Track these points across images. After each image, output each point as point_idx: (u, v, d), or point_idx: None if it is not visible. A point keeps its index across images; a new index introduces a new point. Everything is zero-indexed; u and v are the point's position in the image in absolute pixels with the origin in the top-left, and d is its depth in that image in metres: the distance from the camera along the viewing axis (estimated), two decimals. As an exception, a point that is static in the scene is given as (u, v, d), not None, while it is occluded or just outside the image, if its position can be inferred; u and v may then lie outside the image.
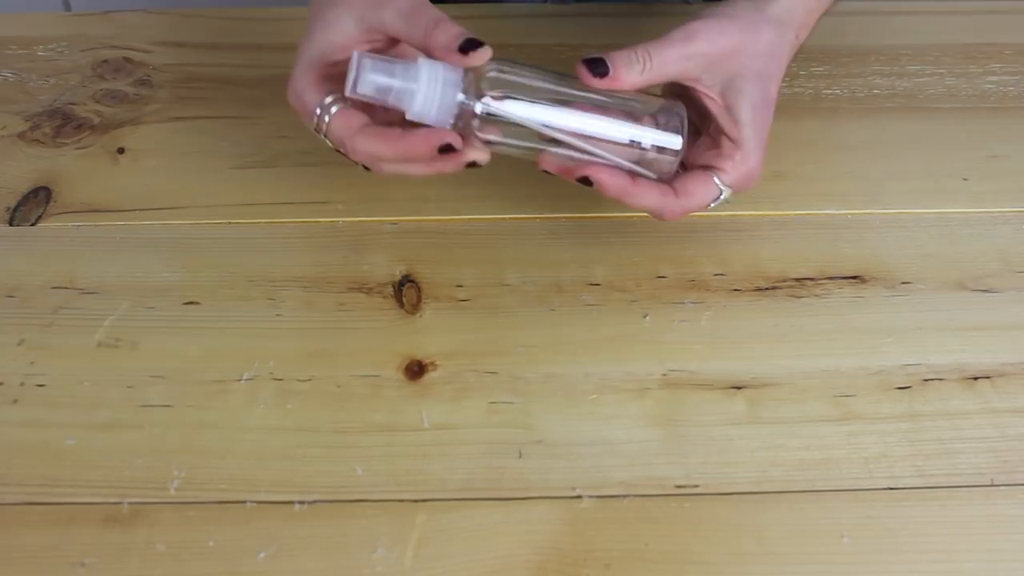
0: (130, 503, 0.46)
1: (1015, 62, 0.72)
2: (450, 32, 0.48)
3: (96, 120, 0.66)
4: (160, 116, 0.67)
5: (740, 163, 0.52)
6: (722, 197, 0.53)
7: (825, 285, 0.56)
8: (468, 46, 0.48)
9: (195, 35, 0.73)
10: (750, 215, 0.60)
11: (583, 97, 0.50)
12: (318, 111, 0.50)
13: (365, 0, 0.50)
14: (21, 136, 0.65)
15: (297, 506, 0.46)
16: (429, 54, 0.49)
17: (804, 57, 0.72)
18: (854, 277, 0.57)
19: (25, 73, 0.70)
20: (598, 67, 0.49)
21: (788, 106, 0.68)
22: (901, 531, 0.46)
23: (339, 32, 0.51)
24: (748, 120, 0.51)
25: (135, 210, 0.60)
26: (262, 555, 0.44)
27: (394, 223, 0.59)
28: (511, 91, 0.49)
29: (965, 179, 0.63)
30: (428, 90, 0.48)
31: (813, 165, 0.64)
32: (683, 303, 0.55)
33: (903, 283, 0.57)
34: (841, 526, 0.46)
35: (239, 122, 0.66)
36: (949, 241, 0.59)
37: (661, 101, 0.52)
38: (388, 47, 0.52)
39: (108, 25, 0.74)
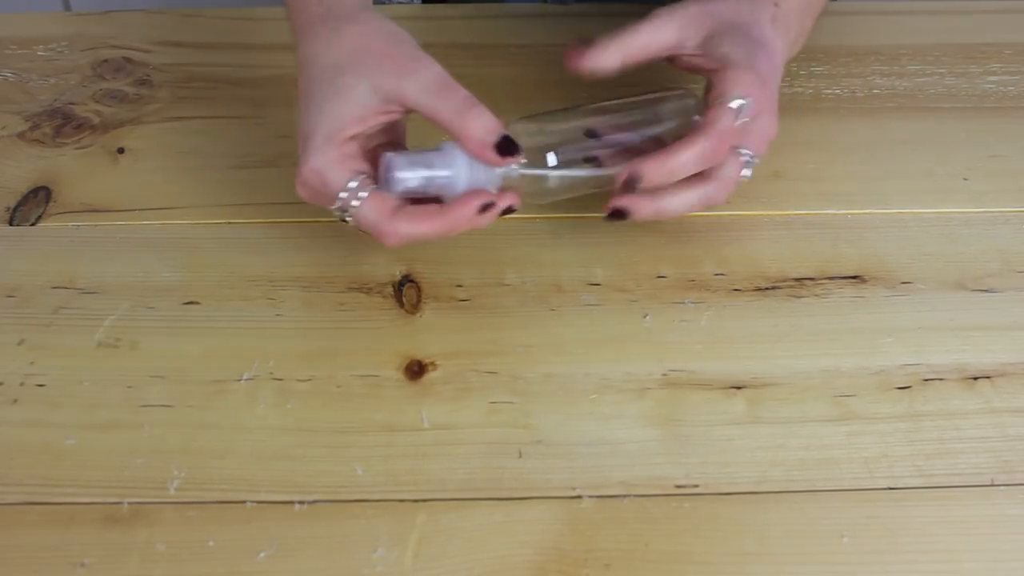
0: (130, 503, 0.46)
1: (1015, 62, 0.72)
2: (485, 123, 0.48)
3: (96, 120, 0.66)
4: (160, 116, 0.67)
5: (737, 76, 0.52)
6: (743, 111, 0.52)
7: (825, 285, 0.56)
8: (505, 150, 0.48)
9: (195, 35, 0.73)
10: (750, 215, 0.60)
11: (608, 120, 0.54)
12: (344, 195, 0.48)
13: (381, 68, 0.49)
14: (21, 136, 0.65)
15: (297, 506, 0.46)
16: (459, 139, 0.49)
17: (804, 57, 0.72)
18: (854, 277, 0.57)
19: (25, 73, 0.70)
20: (580, 48, 0.53)
21: (788, 106, 0.68)
22: (901, 531, 0.46)
23: (354, 102, 0.48)
24: (730, 48, 0.53)
25: (135, 210, 0.60)
26: (262, 555, 0.44)
27: (394, 223, 0.59)
28: (542, 141, 0.52)
29: (965, 179, 0.63)
30: (469, 174, 0.50)
31: (813, 165, 0.64)
32: (683, 303, 0.55)
33: (903, 283, 0.57)
34: (841, 526, 0.46)
35: (239, 122, 0.66)
36: (949, 241, 0.59)
37: (677, 97, 0.56)
38: (404, 116, 0.51)
39: (108, 25, 0.74)
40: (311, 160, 0.48)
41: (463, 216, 0.49)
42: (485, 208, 0.49)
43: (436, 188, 0.50)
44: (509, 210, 0.50)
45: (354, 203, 0.49)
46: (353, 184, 0.48)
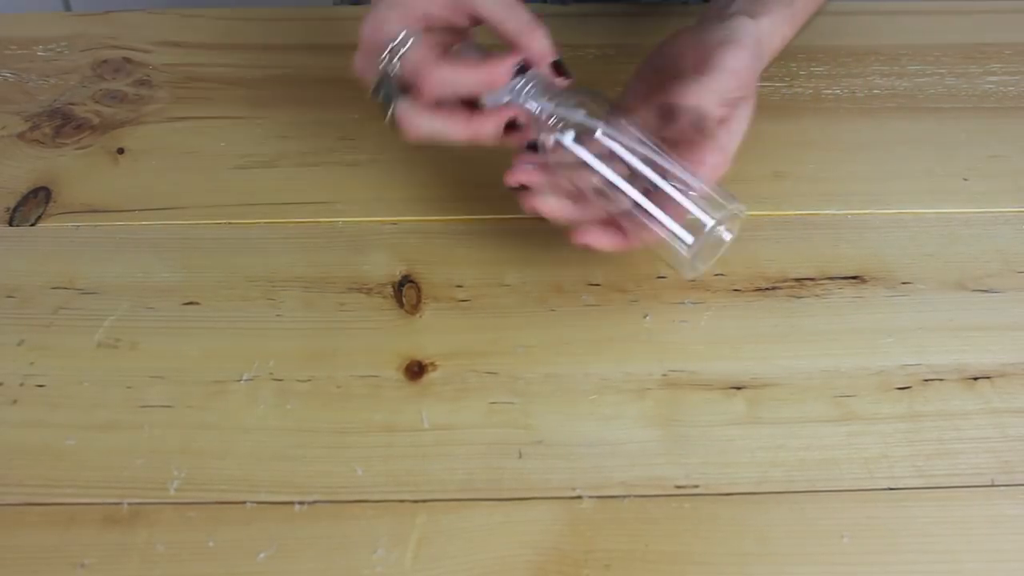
0: (130, 503, 0.46)
1: (1015, 62, 0.72)
2: (548, 43, 0.51)
3: (96, 120, 0.66)
4: (160, 116, 0.67)
5: (721, 166, 0.52)
6: None
7: (825, 285, 0.56)
8: (561, 70, 0.52)
9: (195, 35, 0.73)
10: (750, 215, 0.60)
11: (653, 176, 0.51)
12: (399, 38, 0.51)
13: None
14: (21, 136, 0.65)
15: (297, 506, 0.46)
16: (521, 49, 0.51)
17: (804, 57, 0.72)
18: (854, 277, 0.57)
19: (25, 73, 0.70)
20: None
21: (788, 106, 0.68)
22: (902, 531, 0.46)
23: None
24: (740, 131, 0.53)
25: (135, 210, 0.60)
26: (262, 555, 0.44)
27: (394, 223, 0.59)
28: (591, 145, 0.51)
29: (965, 179, 0.63)
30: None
31: (813, 165, 0.64)
32: (683, 303, 0.55)
33: (903, 283, 0.57)
34: (842, 526, 0.46)
35: (239, 122, 0.66)
36: (949, 241, 0.59)
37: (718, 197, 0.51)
38: (464, 27, 0.53)
39: (108, 25, 0.74)
40: (376, 13, 0.51)
41: (499, 71, 0.51)
42: (519, 71, 0.51)
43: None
44: (514, 124, 0.52)
45: (405, 45, 0.51)
46: (406, 32, 0.51)
